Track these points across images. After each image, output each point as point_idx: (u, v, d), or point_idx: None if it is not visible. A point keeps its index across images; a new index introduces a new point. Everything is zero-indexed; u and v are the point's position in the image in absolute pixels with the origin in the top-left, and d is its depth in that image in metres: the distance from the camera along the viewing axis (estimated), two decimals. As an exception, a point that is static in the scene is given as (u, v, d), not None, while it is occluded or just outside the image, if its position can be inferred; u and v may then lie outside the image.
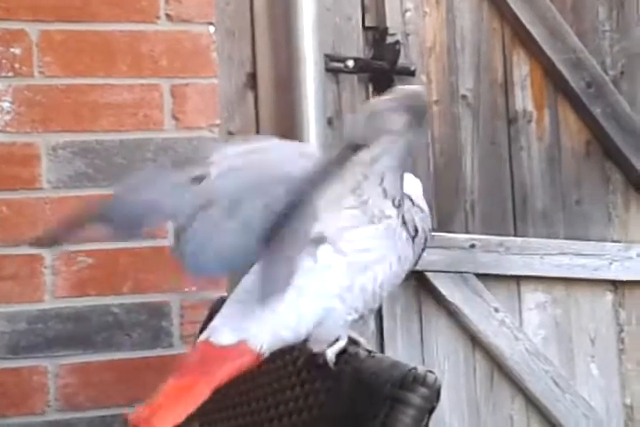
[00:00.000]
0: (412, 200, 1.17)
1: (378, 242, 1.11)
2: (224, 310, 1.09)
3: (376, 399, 0.97)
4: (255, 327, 1.04)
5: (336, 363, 1.08)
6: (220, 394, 1.34)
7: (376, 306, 1.13)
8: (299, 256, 1.03)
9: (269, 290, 1.01)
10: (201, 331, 1.19)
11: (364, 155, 1.07)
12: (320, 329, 1.07)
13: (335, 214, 1.10)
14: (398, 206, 1.12)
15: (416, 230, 1.16)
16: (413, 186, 1.21)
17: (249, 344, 1.04)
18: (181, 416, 0.98)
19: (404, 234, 1.14)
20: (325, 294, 1.08)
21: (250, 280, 1.11)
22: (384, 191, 1.11)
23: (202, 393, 1.00)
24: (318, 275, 1.08)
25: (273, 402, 1.18)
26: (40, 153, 1.82)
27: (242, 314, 1.06)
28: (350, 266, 1.08)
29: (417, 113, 1.10)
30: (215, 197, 1.09)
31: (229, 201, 1.07)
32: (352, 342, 1.11)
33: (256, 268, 1.07)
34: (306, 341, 1.08)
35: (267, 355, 1.05)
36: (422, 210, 1.21)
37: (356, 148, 1.05)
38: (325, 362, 1.09)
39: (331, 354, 1.08)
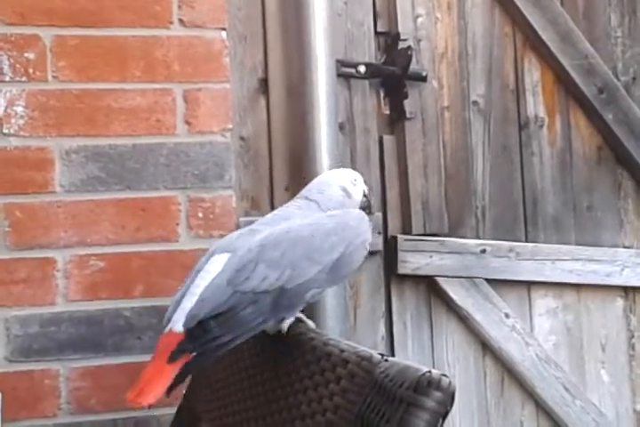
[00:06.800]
0: None
1: None
2: (182, 304, 1.28)
3: (390, 403, 0.97)
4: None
5: (287, 334, 1.31)
6: (236, 397, 1.34)
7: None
8: None
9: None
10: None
11: None
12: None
13: None
14: None
15: None
16: None
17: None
18: (160, 393, 1.22)
19: None
20: None
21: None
22: None
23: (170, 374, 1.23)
24: None
25: (286, 405, 1.18)
26: (53, 157, 1.83)
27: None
28: None
29: None
30: None
31: None
32: (299, 320, 1.34)
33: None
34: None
35: None
36: None
37: None
38: (279, 335, 1.31)
39: (285, 327, 1.31)
